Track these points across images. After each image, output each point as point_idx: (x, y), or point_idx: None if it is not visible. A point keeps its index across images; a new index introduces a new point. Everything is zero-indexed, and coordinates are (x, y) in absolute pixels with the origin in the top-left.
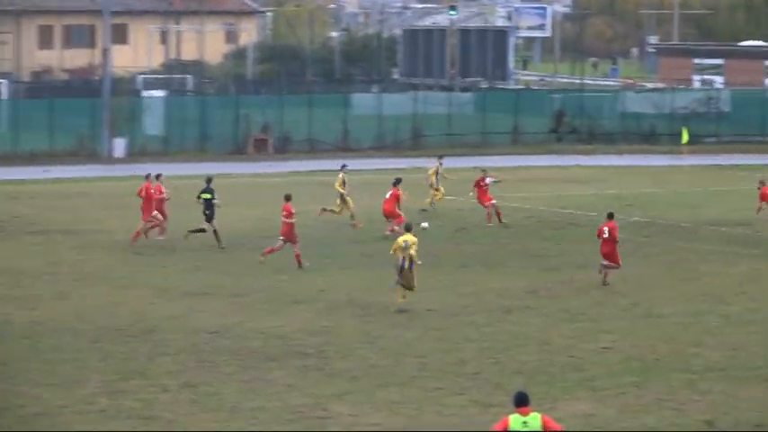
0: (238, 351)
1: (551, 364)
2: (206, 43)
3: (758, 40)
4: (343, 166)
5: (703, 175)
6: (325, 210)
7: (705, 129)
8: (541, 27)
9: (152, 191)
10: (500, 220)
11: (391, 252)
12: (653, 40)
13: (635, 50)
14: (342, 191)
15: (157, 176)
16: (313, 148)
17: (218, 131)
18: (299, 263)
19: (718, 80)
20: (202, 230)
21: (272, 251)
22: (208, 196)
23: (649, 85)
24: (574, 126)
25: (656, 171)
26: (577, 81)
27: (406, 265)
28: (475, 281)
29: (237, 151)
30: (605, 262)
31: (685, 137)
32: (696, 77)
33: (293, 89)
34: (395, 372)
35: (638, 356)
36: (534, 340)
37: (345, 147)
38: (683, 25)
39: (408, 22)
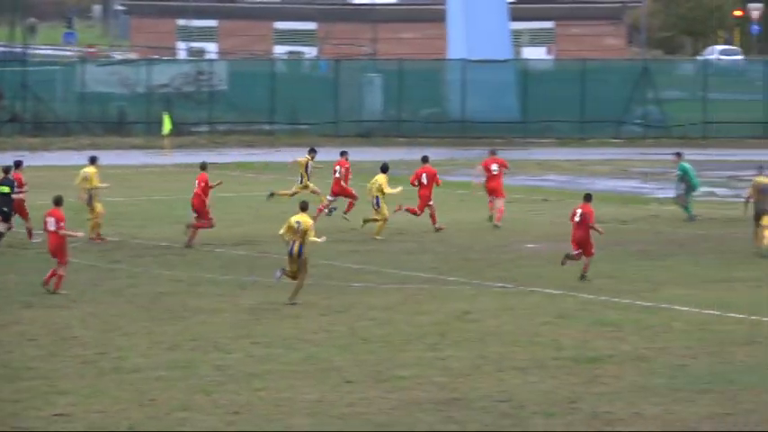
0: None
1: None
2: None
3: None
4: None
5: (192, 178)
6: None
7: (195, 114)
8: None
9: None
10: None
11: (280, 233)
12: None
13: (97, 8)
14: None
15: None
16: None
17: None
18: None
19: (212, 48)
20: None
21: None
22: (6, 189)
23: (118, 56)
24: (15, 111)
25: (127, 173)
26: (18, 50)
27: (295, 249)
28: None
29: None
30: (575, 252)
31: (167, 125)
32: (182, 45)
33: None
34: None
35: (106, 424)
36: None
37: None
38: None
39: None
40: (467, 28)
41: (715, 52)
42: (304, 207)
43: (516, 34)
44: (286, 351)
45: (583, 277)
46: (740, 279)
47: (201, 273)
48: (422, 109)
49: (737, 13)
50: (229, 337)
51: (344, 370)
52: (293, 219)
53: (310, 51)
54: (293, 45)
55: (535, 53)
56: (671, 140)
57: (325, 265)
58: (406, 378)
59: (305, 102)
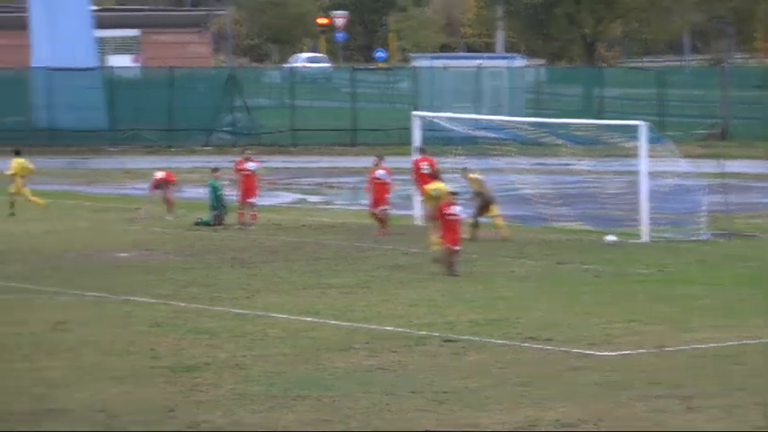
0: None
1: None
2: None
3: None
4: None
5: None
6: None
7: None
8: None
9: None
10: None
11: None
12: None
13: None
14: None
15: None
16: None
17: None
18: None
19: None
20: None
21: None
22: None
23: None
24: None
25: None
26: None
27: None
28: None
29: None
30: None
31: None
32: None
33: None
34: None
35: None
36: None
37: None
38: None
39: None
40: (50, 35)
41: (301, 60)
42: (435, 175)
43: (102, 42)
44: None
45: None
46: (333, 286)
47: None
48: (5, 117)
49: (322, 21)
50: None
51: None
52: (430, 187)
53: None
54: None
55: (121, 61)
56: (261, 148)
57: None
58: None
59: None
